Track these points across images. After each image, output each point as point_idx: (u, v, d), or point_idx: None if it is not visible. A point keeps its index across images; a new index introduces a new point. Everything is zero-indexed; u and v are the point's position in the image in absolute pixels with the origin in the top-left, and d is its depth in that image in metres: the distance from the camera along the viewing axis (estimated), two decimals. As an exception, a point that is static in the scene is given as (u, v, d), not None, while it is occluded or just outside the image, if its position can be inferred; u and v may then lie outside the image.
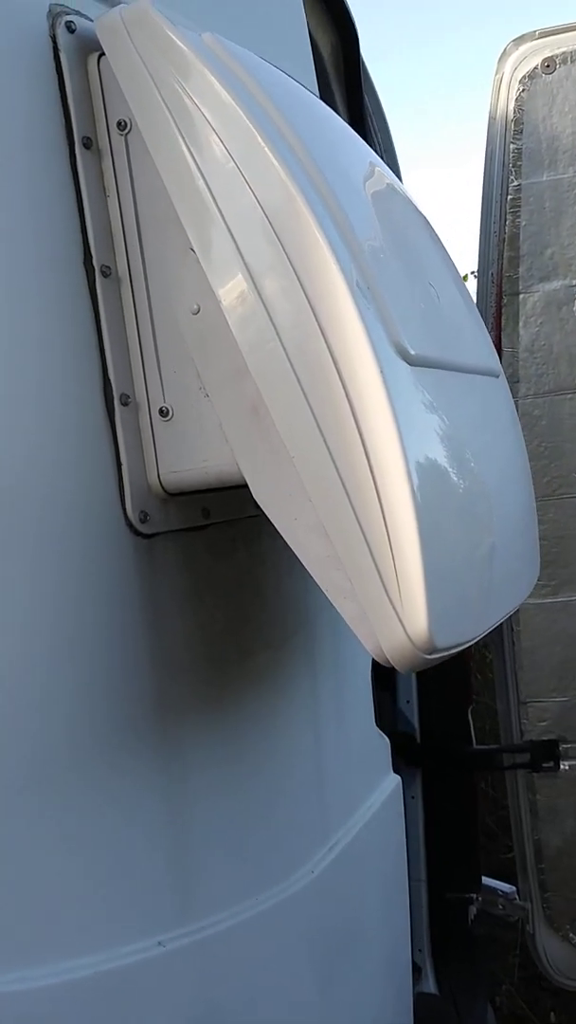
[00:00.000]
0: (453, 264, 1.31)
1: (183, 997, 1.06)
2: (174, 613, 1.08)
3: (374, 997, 1.57)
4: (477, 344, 1.25)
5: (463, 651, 0.96)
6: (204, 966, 1.09)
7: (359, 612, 0.90)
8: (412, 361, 0.95)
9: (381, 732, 1.63)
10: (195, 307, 0.99)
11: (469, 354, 1.18)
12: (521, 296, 2.42)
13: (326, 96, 2.02)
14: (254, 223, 0.92)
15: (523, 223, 2.39)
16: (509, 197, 2.39)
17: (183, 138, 0.95)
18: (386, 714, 1.80)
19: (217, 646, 1.16)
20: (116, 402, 1.01)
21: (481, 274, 2.48)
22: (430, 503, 0.89)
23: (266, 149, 0.93)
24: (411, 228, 1.21)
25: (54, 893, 0.92)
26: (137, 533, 1.03)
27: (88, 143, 1.01)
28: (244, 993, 1.17)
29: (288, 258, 0.90)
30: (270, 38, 1.42)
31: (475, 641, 1.02)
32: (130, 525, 1.02)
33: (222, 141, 0.94)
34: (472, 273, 2.64)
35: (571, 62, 2.34)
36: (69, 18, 1.00)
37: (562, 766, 2.47)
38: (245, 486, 1.00)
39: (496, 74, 2.39)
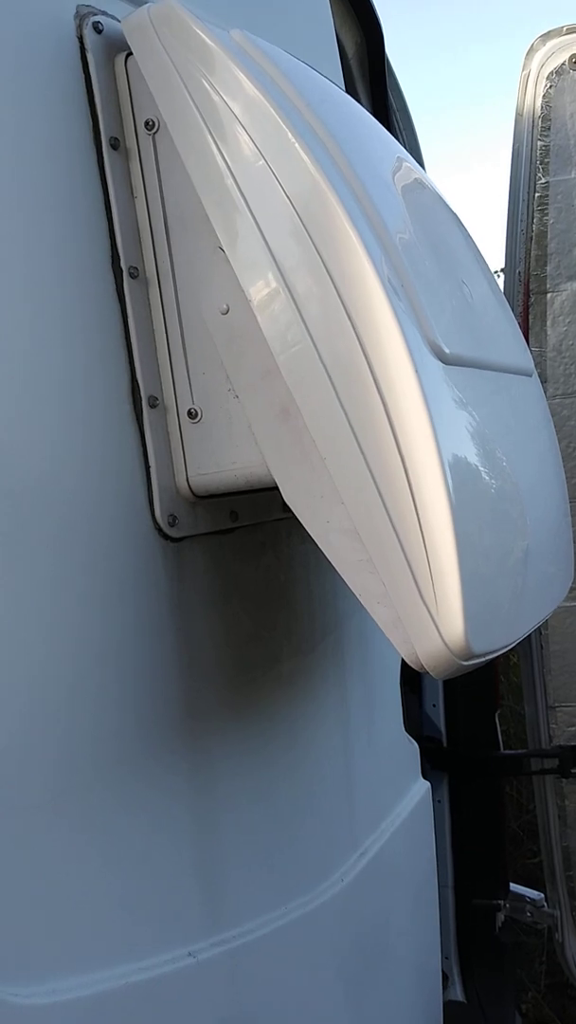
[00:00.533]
0: (484, 261, 1.29)
1: (214, 1007, 1.04)
2: (202, 618, 1.07)
3: (404, 1006, 1.55)
4: (510, 342, 1.23)
5: (485, 663, 0.94)
6: (234, 976, 1.07)
7: (393, 617, 0.89)
8: (447, 360, 0.93)
9: (410, 737, 1.61)
10: (224, 307, 0.98)
11: (502, 352, 1.16)
12: (549, 295, 2.39)
13: (350, 93, 2.01)
14: (285, 221, 0.91)
15: (551, 221, 2.36)
16: (536, 195, 2.36)
17: (212, 136, 0.94)
18: (412, 718, 1.78)
19: (245, 652, 1.14)
20: (144, 404, 1.00)
21: (508, 273, 2.46)
22: (465, 506, 0.87)
23: (296, 146, 0.91)
24: (442, 225, 1.19)
25: (84, 904, 0.90)
26: (166, 537, 1.01)
27: (116, 144, 1.00)
28: (275, 1003, 1.15)
29: (320, 256, 0.89)
30: (297, 35, 1.40)
31: (511, 647, 1.00)
32: (159, 529, 1.01)
33: (252, 138, 0.93)
34: (499, 271, 2.61)
35: (599, 58, 2.31)
36: (96, 18, 0.99)
37: (591, 772, 2.44)
38: (274, 488, 0.98)
39: (523, 70, 2.36)
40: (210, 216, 0.94)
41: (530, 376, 1.28)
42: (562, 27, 2.36)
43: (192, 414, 1.02)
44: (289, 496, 0.96)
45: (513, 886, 2.48)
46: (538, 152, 2.35)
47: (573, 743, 2.46)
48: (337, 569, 0.92)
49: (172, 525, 1.02)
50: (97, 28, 0.99)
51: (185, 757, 1.03)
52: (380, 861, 1.40)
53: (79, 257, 0.96)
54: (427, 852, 1.65)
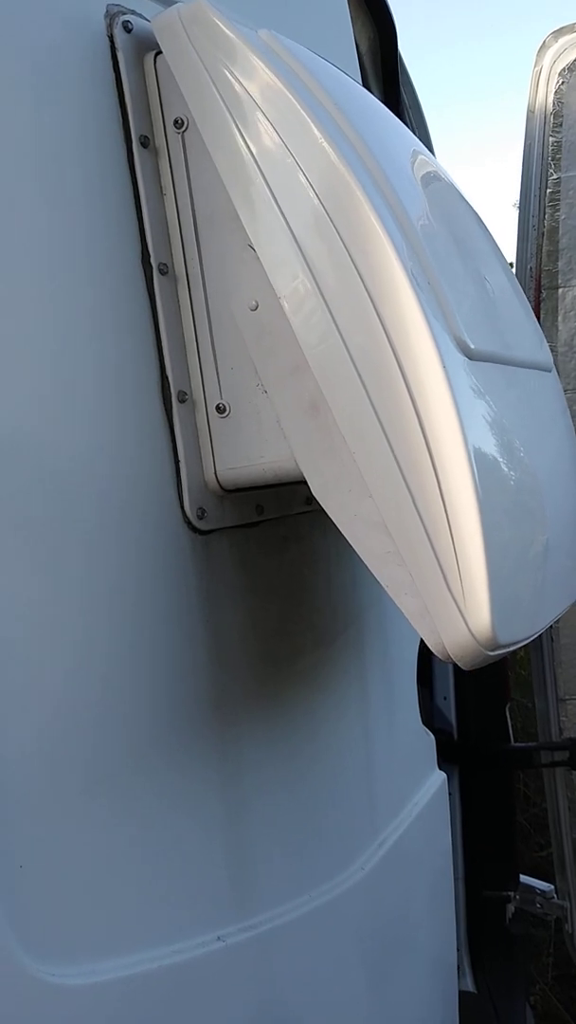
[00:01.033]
0: (503, 257, 1.31)
1: (242, 991, 1.06)
2: (229, 610, 1.08)
3: (423, 994, 1.57)
4: (530, 338, 1.24)
5: (509, 654, 0.95)
6: (262, 961, 1.09)
7: (420, 608, 0.90)
8: (472, 356, 0.94)
9: (427, 729, 1.63)
10: (253, 303, 0.99)
11: (523, 348, 1.18)
12: (560, 290, 2.40)
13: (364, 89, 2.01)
14: (312, 218, 0.92)
15: (562, 217, 2.37)
16: (548, 191, 2.37)
17: (241, 133, 0.95)
18: (423, 712, 1.79)
19: (270, 644, 1.16)
20: (174, 399, 1.02)
21: (519, 268, 2.47)
22: (491, 500, 0.88)
23: (325, 144, 0.93)
24: (464, 221, 1.20)
25: (120, 888, 0.92)
26: (194, 530, 1.03)
27: (146, 142, 1.01)
28: (299, 988, 1.17)
29: (348, 253, 0.90)
30: (316, 33, 1.41)
31: (533, 638, 1.02)
32: (188, 522, 1.02)
33: (279, 136, 0.94)
34: (510, 264, 2.62)
35: (611, 54, 2.32)
36: (126, 18, 1.00)
37: (602, 764, 2.45)
38: (302, 482, 0.99)
39: (535, 67, 2.37)
40: (239, 213, 0.96)
41: (549, 371, 1.29)
42: (574, 23, 2.37)
43: (221, 409, 1.03)
44: (317, 490, 0.97)
45: (523, 878, 2.50)
46: (550, 148, 2.36)
47: (583, 736, 2.48)
48: (365, 561, 0.94)
49: (201, 518, 1.03)
50: (127, 27, 1.00)
51: (215, 747, 1.04)
52: (398, 850, 1.42)
53: (110, 254, 0.97)
54: (443, 842, 1.67)
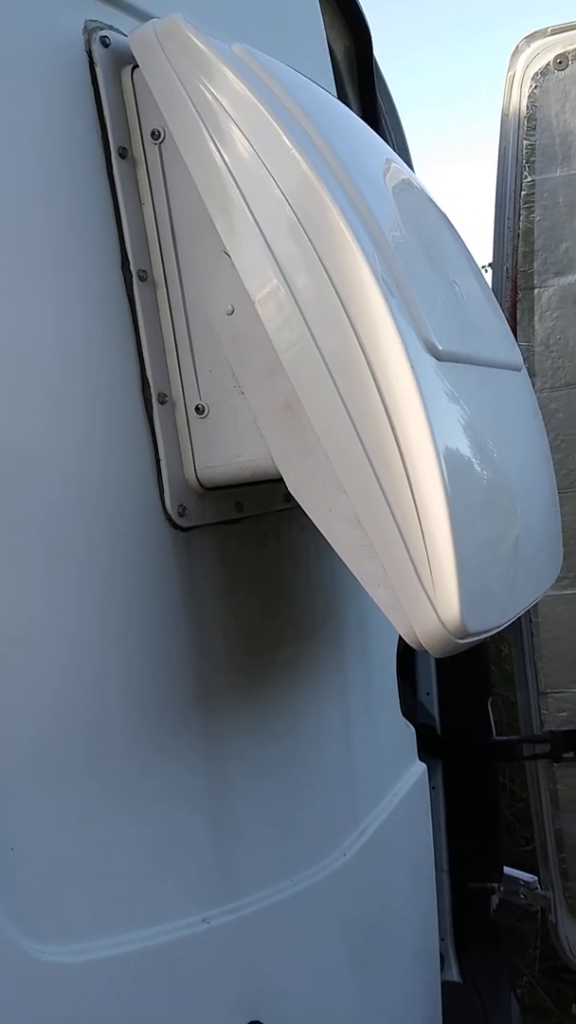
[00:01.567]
0: (473, 258, 1.35)
1: (226, 972, 1.10)
2: (211, 604, 1.12)
3: (404, 981, 1.61)
4: (499, 338, 1.28)
5: (480, 643, 0.99)
6: (245, 942, 1.13)
7: (393, 599, 0.94)
8: (440, 356, 0.98)
9: (406, 720, 1.67)
10: (229, 308, 1.03)
11: (492, 348, 1.22)
12: (536, 291, 2.45)
13: (340, 96, 2.05)
14: (284, 224, 0.96)
15: (537, 218, 2.42)
16: (523, 193, 2.41)
17: (215, 144, 0.99)
18: (406, 706, 1.83)
19: (251, 636, 1.19)
20: (154, 401, 1.05)
21: (496, 269, 2.51)
22: (460, 495, 0.92)
23: (294, 152, 0.96)
24: (432, 225, 1.24)
25: (109, 870, 0.96)
26: (175, 526, 1.06)
27: (124, 153, 1.05)
28: (283, 970, 1.21)
29: (320, 259, 0.94)
30: (291, 44, 1.45)
31: (502, 628, 1.06)
32: (169, 519, 1.06)
33: (252, 146, 0.98)
34: (487, 266, 2.66)
35: (583, 59, 2.36)
36: (104, 33, 1.04)
37: (582, 756, 2.50)
38: (279, 480, 1.03)
39: (508, 71, 2.42)
40: (214, 221, 0.99)
41: (519, 371, 1.33)
42: (547, 28, 2.42)
43: (200, 410, 1.07)
44: (293, 487, 1.01)
45: (507, 869, 2.53)
46: (524, 151, 2.41)
47: (564, 728, 2.52)
48: (339, 554, 0.98)
49: (182, 515, 1.07)
50: (105, 42, 1.04)
51: (199, 736, 1.08)
52: (379, 839, 1.45)
53: (91, 262, 1.01)
54: (424, 831, 1.71)
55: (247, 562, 1.19)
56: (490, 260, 2.56)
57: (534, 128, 2.41)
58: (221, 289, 1.03)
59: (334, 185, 0.97)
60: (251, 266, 0.97)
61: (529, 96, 2.40)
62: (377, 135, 1.33)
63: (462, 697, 2.46)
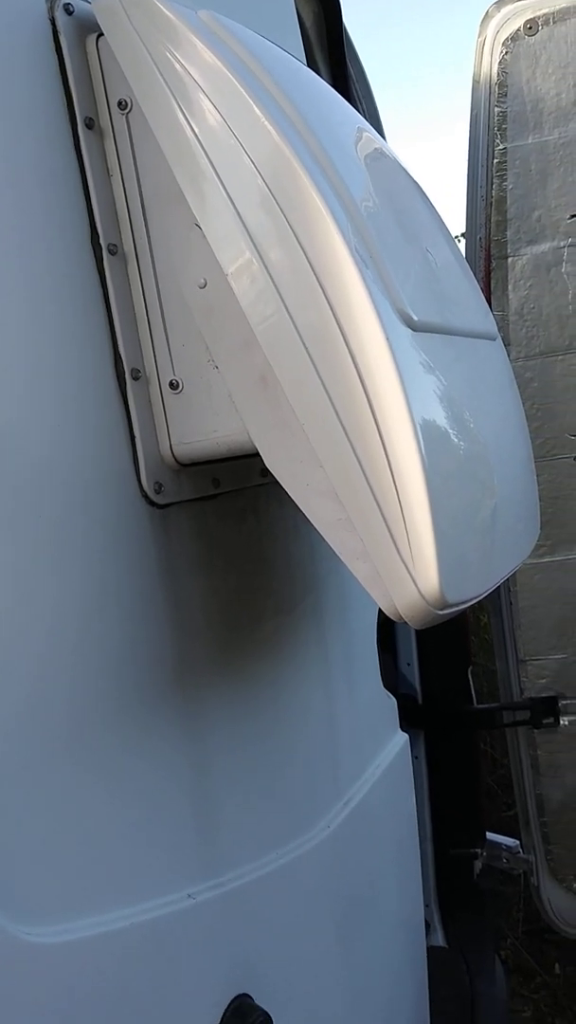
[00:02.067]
0: (446, 228, 1.34)
1: (213, 947, 1.11)
2: (189, 580, 1.11)
3: (390, 948, 1.63)
4: (474, 308, 1.28)
5: (460, 612, 0.99)
6: (231, 917, 1.13)
7: (372, 572, 0.94)
8: (415, 327, 0.97)
9: (388, 692, 1.68)
10: (202, 281, 1.01)
11: (467, 318, 1.21)
12: (510, 259, 2.44)
13: (310, 64, 2.02)
14: (256, 195, 0.94)
15: (510, 186, 2.40)
16: (495, 160, 2.40)
17: (183, 114, 0.97)
18: (387, 677, 1.84)
19: (230, 611, 1.19)
20: (127, 377, 1.04)
21: (469, 238, 2.50)
22: (437, 466, 0.92)
23: (265, 121, 0.95)
24: (405, 194, 1.23)
25: (92, 849, 0.96)
26: (152, 503, 1.06)
27: (90, 123, 1.02)
28: (269, 944, 1.22)
29: (292, 230, 0.93)
30: (259, 10, 1.43)
31: (482, 597, 1.06)
32: (145, 496, 1.05)
33: (220, 114, 0.96)
34: (460, 236, 2.65)
35: (553, 23, 2.34)
36: (67, 0, 1.01)
37: (562, 722, 2.53)
38: (255, 455, 1.03)
39: (479, 37, 2.39)
40: (184, 192, 0.98)
41: (494, 340, 1.33)
42: (516, -7, 2.39)
43: (174, 385, 1.06)
44: (270, 461, 1.00)
45: (489, 835, 2.56)
46: (496, 118, 2.39)
47: (543, 695, 2.55)
48: (318, 529, 0.97)
49: (158, 492, 1.06)
50: (68, 10, 1.01)
51: (180, 711, 1.08)
52: (363, 810, 1.47)
53: (60, 236, 0.99)
54: (407, 801, 1.72)
55: (225, 538, 1.18)
56: (463, 230, 2.55)
57: (505, 95, 2.39)
58: (193, 262, 1.02)
59: (306, 155, 0.96)
60: (223, 238, 0.96)
61: (500, 62, 2.38)
62: (348, 103, 1.31)
63: (442, 667, 2.48)
